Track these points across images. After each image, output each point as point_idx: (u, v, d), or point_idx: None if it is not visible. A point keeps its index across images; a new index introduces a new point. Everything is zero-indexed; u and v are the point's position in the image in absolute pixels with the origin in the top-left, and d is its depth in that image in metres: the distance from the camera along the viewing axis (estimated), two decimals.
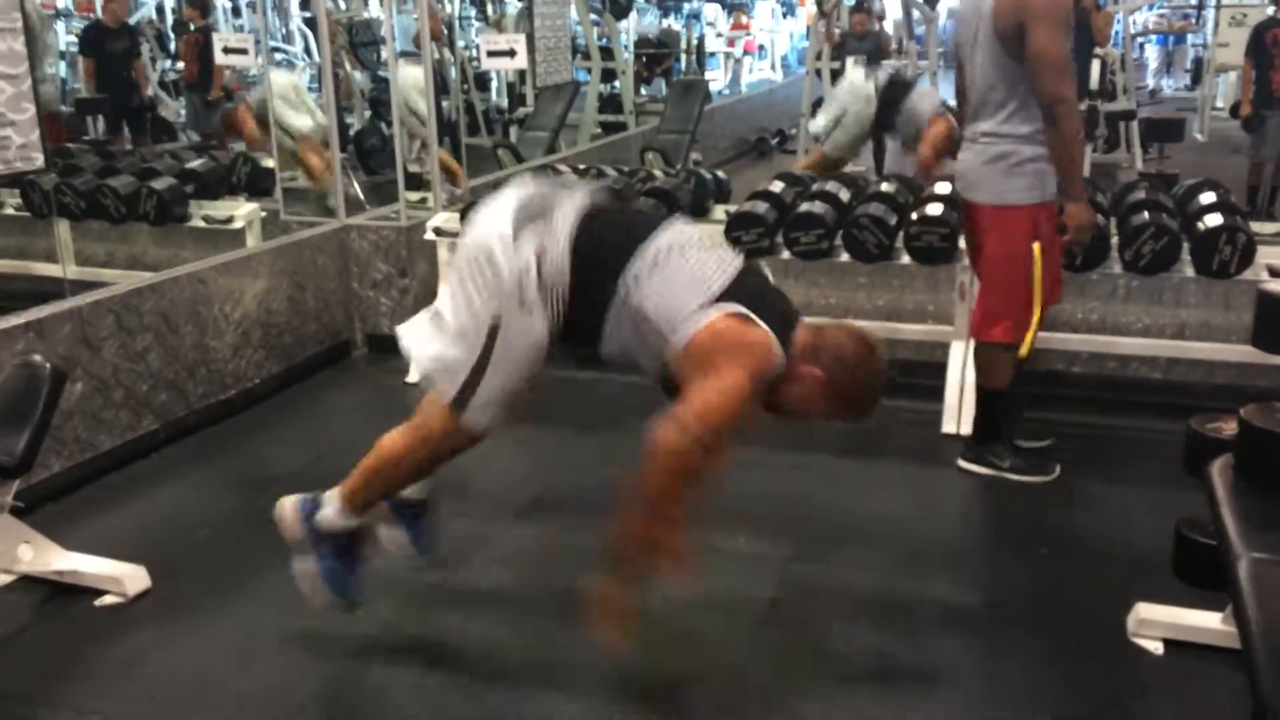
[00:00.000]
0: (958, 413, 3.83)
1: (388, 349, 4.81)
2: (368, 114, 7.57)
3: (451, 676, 2.45)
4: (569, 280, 2.25)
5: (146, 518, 3.34)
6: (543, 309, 2.26)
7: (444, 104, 6.68)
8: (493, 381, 2.33)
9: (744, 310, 2.18)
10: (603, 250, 2.26)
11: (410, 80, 5.69)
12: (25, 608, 2.81)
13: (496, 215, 2.33)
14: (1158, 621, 2.54)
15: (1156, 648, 2.52)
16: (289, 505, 2.53)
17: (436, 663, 2.51)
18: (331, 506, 2.48)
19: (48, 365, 2.74)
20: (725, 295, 2.19)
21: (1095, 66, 7.84)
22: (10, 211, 5.43)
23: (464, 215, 4.42)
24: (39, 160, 3.40)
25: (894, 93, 5.91)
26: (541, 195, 2.36)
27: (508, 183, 2.60)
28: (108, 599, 2.81)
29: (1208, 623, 2.50)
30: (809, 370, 2.22)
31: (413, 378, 2.31)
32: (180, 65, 8.92)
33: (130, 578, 2.83)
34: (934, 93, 6.05)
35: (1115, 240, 3.79)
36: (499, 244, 2.26)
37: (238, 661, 2.56)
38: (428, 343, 2.40)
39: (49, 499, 3.34)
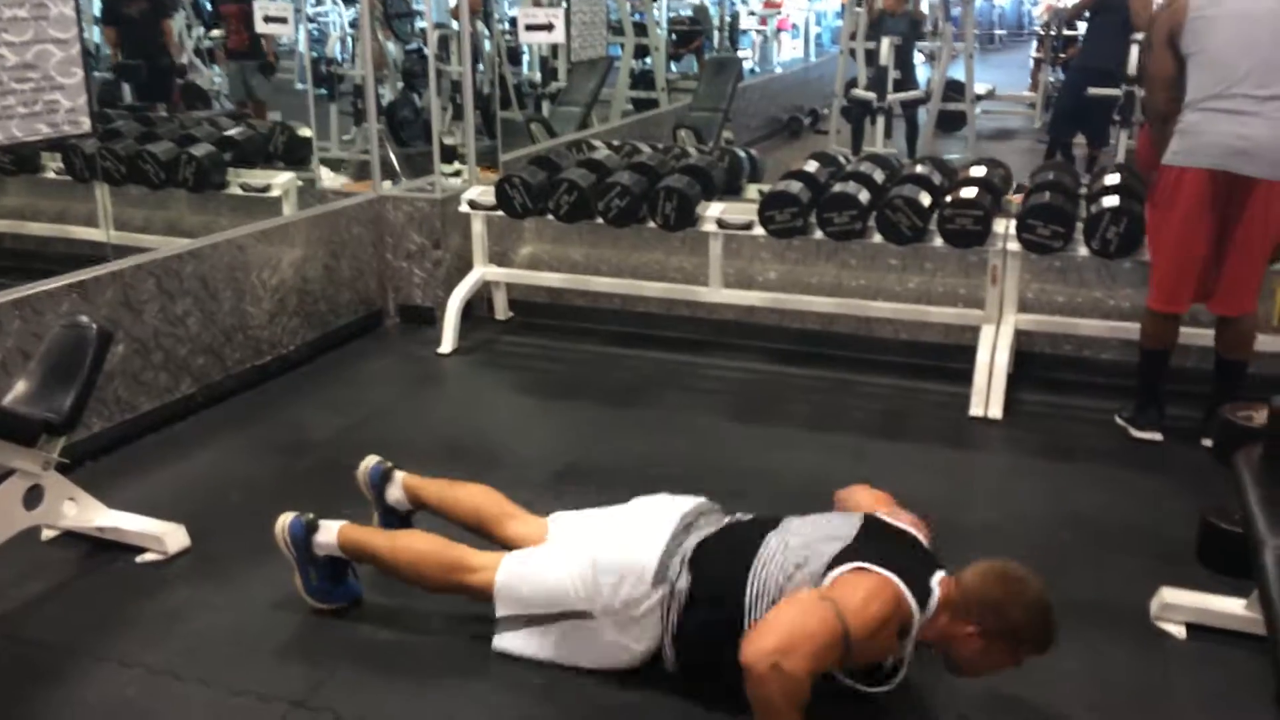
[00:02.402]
0: (985, 396, 3.85)
1: (420, 319, 4.87)
2: (400, 85, 7.59)
3: (479, 636, 2.50)
4: (684, 605, 2.26)
5: (184, 479, 3.41)
6: (652, 636, 2.30)
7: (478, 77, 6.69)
8: (540, 638, 2.40)
9: (870, 563, 2.13)
10: (717, 578, 2.26)
11: None
12: (69, 562, 2.89)
13: (650, 539, 2.34)
14: (1182, 606, 2.56)
15: (1180, 632, 2.54)
16: (282, 526, 2.62)
17: (465, 623, 2.56)
18: (328, 537, 2.58)
19: (94, 326, 2.80)
20: (846, 552, 2.17)
21: (1133, 51, 7.74)
22: (51, 175, 5.50)
23: (498, 190, 4.45)
24: (85, 124, 3.45)
25: None
26: (686, 526, 2.38)
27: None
28: (148, 556, 2.89)
29: (1232, 608, 2.51)
30: (960, 630, 2.13)
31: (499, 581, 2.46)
32: (216, 33, 8.95)
33: (170, 536, 2.90)
34: None
35: None
36: (635, 580, 2.29)
37: (274, 619, 2.62)
38: (529, 573, 2.43)
39: (90, 458, 3.42)
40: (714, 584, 2.25)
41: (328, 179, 5.42)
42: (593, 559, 2.33)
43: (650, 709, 2.29)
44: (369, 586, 2.70)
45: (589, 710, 2.29)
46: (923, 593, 2.13)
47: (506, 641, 2.43)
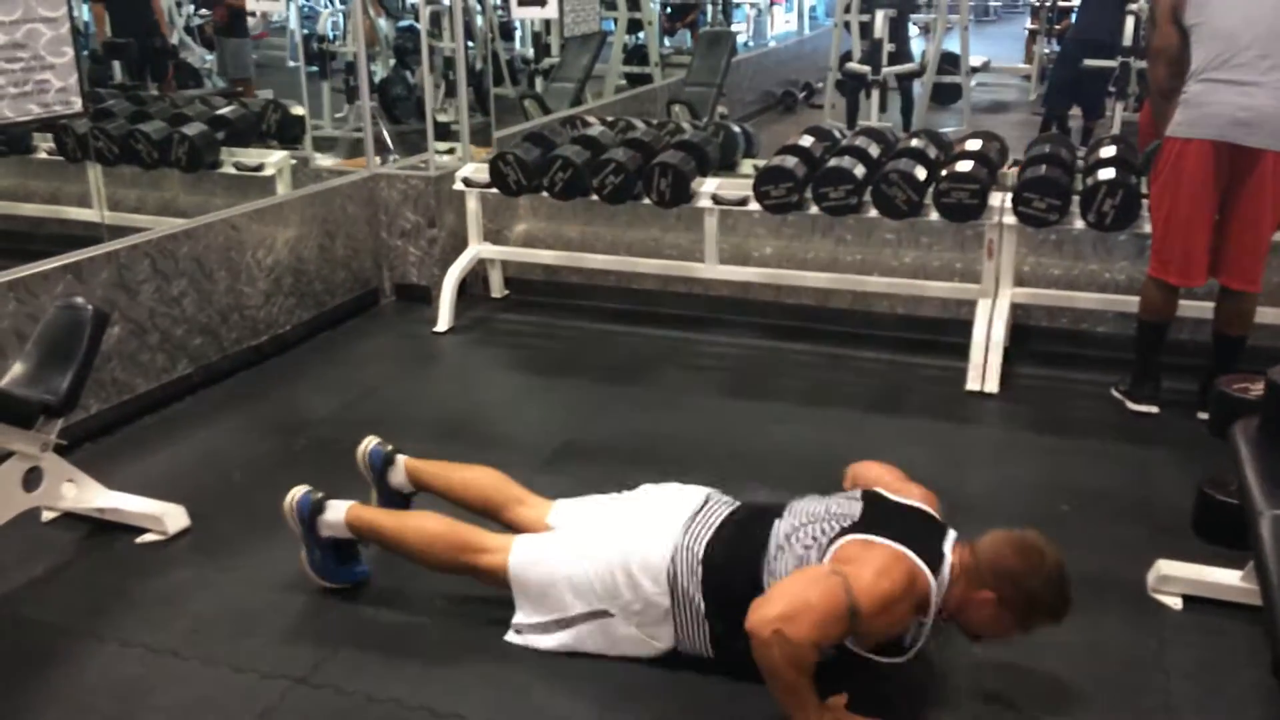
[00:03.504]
0: (982, 370, 3.85)
1: (415, 298, 4.87)
2: (392, 62, 7.55)
3: (480, 616, 2.51)
4: (703, 603, 2.26)
5: (183, 459, 3.42)
6: (670, 631, 2.30)
7: (470, 53, 6.65)
8: (558, 639, 2.39)
9: (879, 537, 2.13)
10: (732, 565, 2.26)
11: None
12: (69, 544, 2.90)
13: (664, 537, 2.33)
14: (1178, 578, 2.58)
15: (1176, 603, 2.56)
16: (291, 499, 2.62)
17: (470, 604, 2.57)
18: (335, 517, 2.58)
19: (90, 307, 2.79)
20: (853, 527, 2.18)
21: (1129, 22, 7.71)
22: (43, 155, 5.47)
23: (493, 167, 4.44)
24: (77, 104, 3.42)
25: None
26: (696, 514, 2.38)
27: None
28: (149, 536, 2.89)
29: (1228, 579, 2.53)
30: (977, 595, 2.14)
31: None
32: (205, 11, 8.89)
33: (170, 516, 2.91)
34: None
35: (1145, 200, 3.77)
36: (652, 580, 2.29)
37: (275, 599, 2.63)
38: (531, 604, 2.42)
39: (88, 439, 3.43)
40: (725, 571, 2.25)
41: (320, 158, 5.39)
42: (607, 558, 2.33)
43: (669, 687, 2.30)
44: (375, 564, 2.69)
45: (601, 689, 2.30)
46: (935, 559, 2.14)
47: (527, 639, 2.42)
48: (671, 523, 2.36)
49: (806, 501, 2.35)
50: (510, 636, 2.43)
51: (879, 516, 2.22)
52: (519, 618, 2.43)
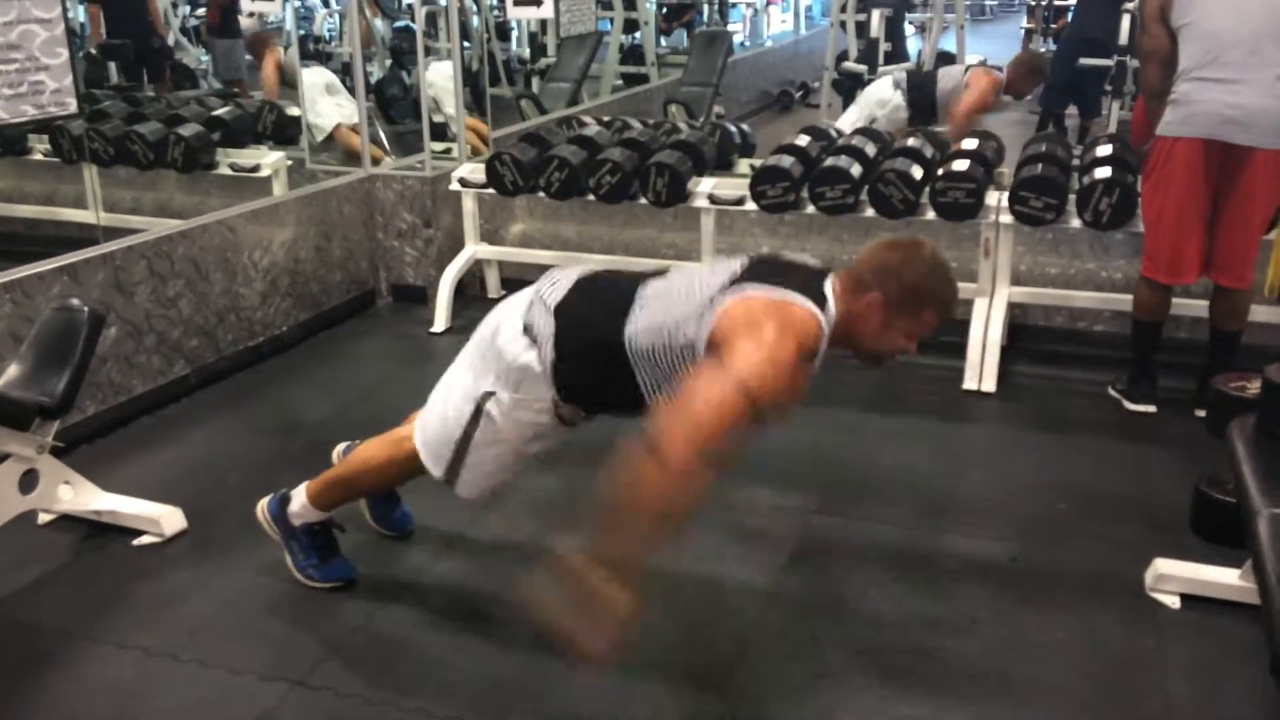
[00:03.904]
0: (979, 369, 3.86)
1: (412, 298, 4.86)
2: (388, 62, 7.54)
3: (476, 619, 2.51)
4: (563, 351, 2.19)
5: (180, 461, 3.41)
6: (547, 386, 2.23)
7: (465, 53, 6.65)
8: (477, 458, 2.33)
9: (762, 285, 2.05)
10: (591, 314, 2.20)
11: (438, 78, 5.65)
12: (65, 546, 2.89)
13: (515, 300, 2.32)
14: (1175, 576, 2.58)
15: (1174, 602, 2.56)
16: (261, 506, 2.65)
17: (462, 604, 2.57)
18: (299, 502, 2.60)
19: (86, 309, 2.78)
20: (735, 282, 2.08)
21: (1125, 21, 7.71)
22: (39, 157, 5.46)
23: (489, 167, 4.44)
24: (71, 105, 3.42)
25: (922, 92, 5.86)
26: (545, 279, 2.34)
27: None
28: (145, 539, 2.89)
29: (1225, 578, 2.53)
30: (862, 305, 2.08)
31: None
32: (201, 11, 8.88)
33: (167, 518, 2.90)
34: (954, 70, 5.99)
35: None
36: (507, 326, 2.26)
37: (273, 599, 2.63)
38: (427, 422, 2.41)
39: (85, 441, 3.42)
40: (587, 316, 2.20)
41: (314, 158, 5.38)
42: (469, 347, 2.34)
43: (671, 690, 2.30)
44: (368, 565, 2.71)
45: (607, 687, 2.29)
46: (819, 298, 2.06)
47: (463, 489, 2.38)
48: (523, 293, 2.32)
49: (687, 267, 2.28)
50: (456, 490, 2.38)
51: (759, 269, 2.13)
52: (434, 469, 2.38)
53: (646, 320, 2.13)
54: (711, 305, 2.05)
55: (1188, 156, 3.32)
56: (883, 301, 2.09)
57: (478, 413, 2.30)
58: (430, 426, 2.39)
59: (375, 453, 2.53)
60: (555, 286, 2.28)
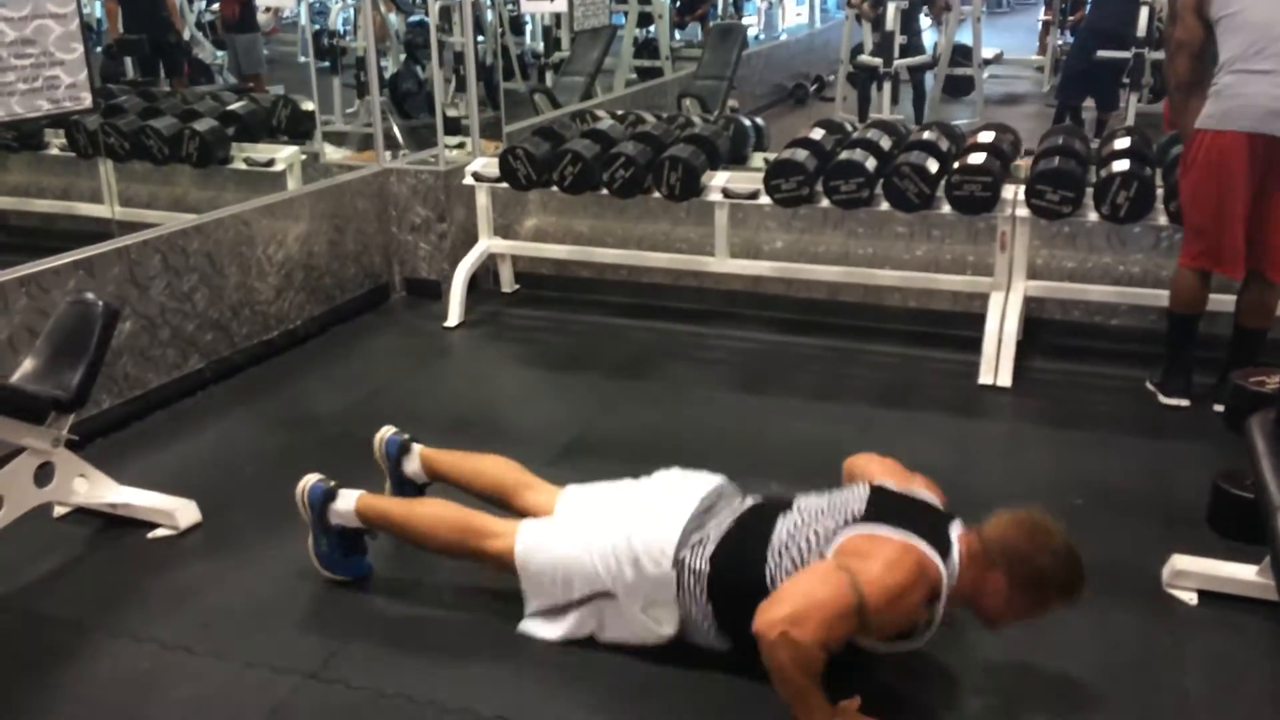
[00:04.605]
0: (995, 363, 3.83)
1: (426, 293, 4.87)
2: (403, 57, 7.54)
3: (490, 614, 2.51)
4: (707, 598, 2.25)
5: (195, 454, 3.42)
6: (674, 618, 2.29)
7: (479, 48, 6.65)
8: (561, 624, 2.39)
9: (888, 527, 2.11)
10: (737, 561, 2.24)
11: None
12: (81, 539, 2.90)
13: (671, 519, 2.32)
14: (1193, 572, 2.56)
15: (1191, 599, 2.54)
16: (303, 486, 2.63)
17: (482, 597, 2.57)
18: (345, 506, 2.59)
19: (101, 303, 2.79)
20: (861, 520, 2.15)
21: (1143, 13, 7.65)
22: (55, 151, 5.48)
23: (502, 161, 4.43)
24: (86, 100, 3.43)
25: None
26: (705, 508, 2.36)
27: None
28: (160, 531, 2.90)
29: (1243, 574, 2.51)
30: (988, 578, 2.12)
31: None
32: (216, 6, 8.90)
33: (182, 511, 2.91)
34: None
35: (1161, 192, 3.75)
36: (656, 560, 2.27)
37: (287, 593, 2.63)
38: (537, 589, 2.42)
39: (100, 434, 3.43)
40: (732, 570, 2.23)
41: (330, 153, 5.39)
42: (612, 539, 2.32)
43: (679, 685, 2.29)
44: (385, 559, 2.71)
45: (614, 684, 2.29)
46: (943, 546, 2.12)
47: (533, 626, 2.42)
48: (679, 508, 2.34)
49: (812, 497, 2.33)
50: (521, 626, 2.43)
51: (883, 507, 2.20)
52: (529, 601, 2.43)
53: (789, 564, 2.19)
54: (832, 540, 2.15)
55: (1232, 150, 3.26)
56: (1009, 584, 2.11)
57: (596, 596, 2.34)
58: (546, 551, 2.39)
59: (447, 530, 2.49)
60: (707, 531, 2.32)
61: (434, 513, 2.54)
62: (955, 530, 2.18)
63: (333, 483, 2.62)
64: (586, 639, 2.38)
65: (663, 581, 2.27)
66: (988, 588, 2.13)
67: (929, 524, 2.16)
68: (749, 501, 2.43)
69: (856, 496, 2.25)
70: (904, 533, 2.10)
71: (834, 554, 2.11)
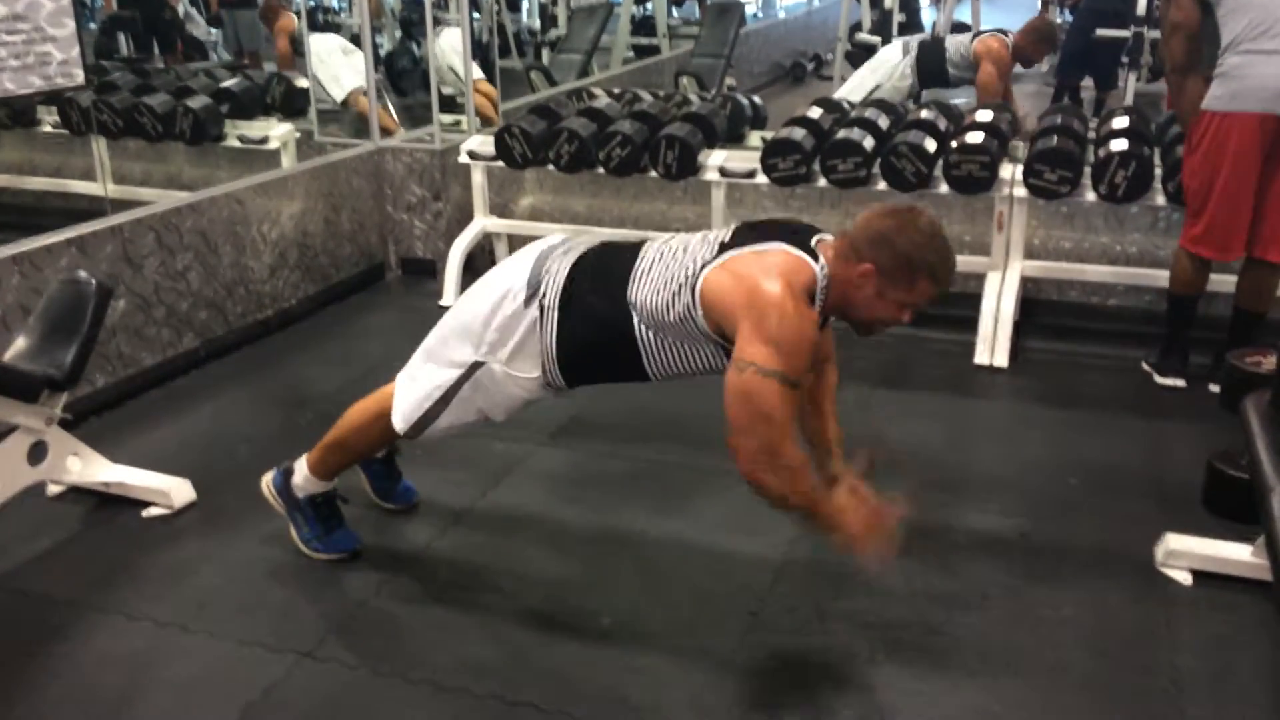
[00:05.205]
0: (991, 343, 3.83)
1: (421, 272, 4.85)
2: (398, 34, 7.49)
3: (484, 591, 2.51)
4: (566, 330, 2.22)
5: (189, 433, 3.42)
6: (535, 362, 2.27)
7: (475, 25, 6.61)
8: (449, 418, 2.38)
9: (743, 248, 2.08)
10: (597, 289, 2.21)
11: (448, 44, 5.64)
12: (74, 518, 2.90)
13: (513, 268, 2.32)
14: (1187, 552, 2.56)
15: (1185, 578, 2.54)
16: (266, 479, 2.66)
17: (469, 577, 2.57)
18: (300, 473, 2.61)
19: (94, 281, 2.77)
20: (725, 247, 2.11)
21: None
22: (48, 129, 5.45)
23: (498, 140, 4.41)
24: (79, 76, 3.40)
25: (930, 59, 5.79)
26: (549, 252, 2.33)
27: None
28: (154, 510, 2.89)
29: (1237, 554, 2.51)
30: (855, 270, 2.05)
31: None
32: None
33: (176, 490, 2.90)
34: (963, 38, 5.89)
35: (1159, 172, 3.73)
36: (507, 298, 2.26)
37: (281, 571, 2.63)
38: (410, 390, 2.43)
39: (93, 413, 3.42)
40: (591, 293, 2.21)
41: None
42: (462, 307, 2.34)
43: (668, 656, 2.29)
44: (374, 539, 2.71)
45: (609, 662, 2.30)
46: (806, 249, 2.08)
47: (411, 434, 2.43)
48: (527, 255, 2.32)
49: (668, 238, 2.29)
50: (397, 426, 2.43)
51: (745, 233, 2.15)
52: (399, 427, 2.42)
53: (649, 286, 2.16)
54: (701, 273, 2.09)
55: (1243, 132, 3.24)
56: (875, 271, 2.05)
57: (462, 380, 2.33)
58: (409, 390, 2.41)
59: (362, 412, 2.54)
60: (564, 255, 2.30)
61: (352, 413, 2.55)
62: (815, 239, 2.13)
63: (285, 464, 2.64)
64: (476, 424, 2.40)
65: (517, 317, 2.24)
66: (856, 283, 2.06)
67: (790, 230, 2.13)
68: (594, 243, 2.40)
69: (721, 231, 2.20)
70: (768, 243, 2.07)
71: (702, 288, 2.06)
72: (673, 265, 2.15)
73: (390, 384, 2.51)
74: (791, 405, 2.01)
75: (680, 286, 2.11)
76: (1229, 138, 3.27)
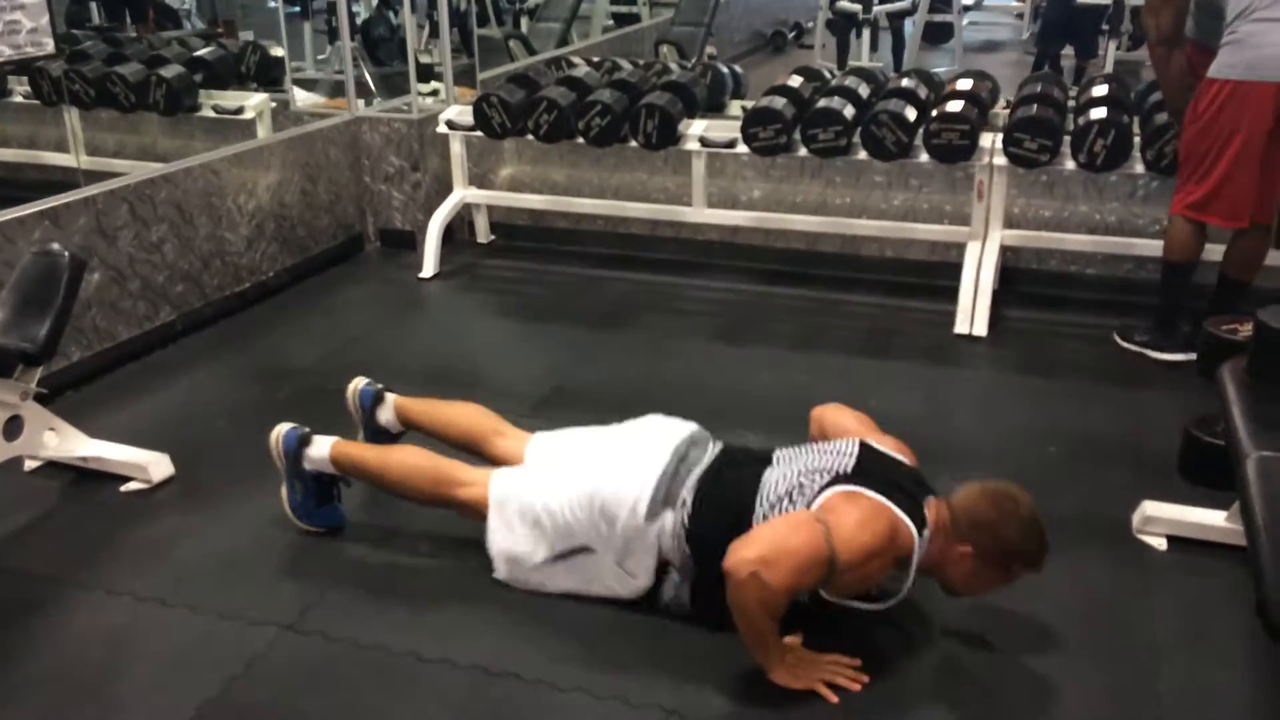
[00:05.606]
0: (970, 313, 3.84)
1: (400, 244, 4.82)
2: (375, 2, 7.40)
3: (467, 564, 2.51)
4: (686, 546, 2.26)
5: (167, 407, 3.39)
6: (650, 561, 2.30)
7: None
8: (538, 575, 2.40)
9: (858, 488, 2.11)
10: (726, 508, 2.23)
11: None
12: (52, 493, 2.88)
13: (642, 471, 2.30)
14: (1163, 519, 2.59)
15: (1160, 544, 2.57)
16: (277, 434, 2.61)
17: (453, 550, 2.57)
18: (320, 452, 2.57)
19: (67, 254, 2.74)
20: (838, 480, 2.15)
21: None
22: (19, 99, 5.36)
23: (476, 109, 4.37)
24: (49, 45, 3.35)
25: None
26: (678, 460, 2.34)
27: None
28: (133, 485, 2.88)
29: (1213, 520, 2.54)
30: (954, 549, 2.13)
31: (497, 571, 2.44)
32: None
33: (155, 464, 2.89)
34: None
35: (1138, 140, 3.74)
36: (629, 513, 2.26)
37: (262, 546, 2.62)
38: (512, 539, 2.41)
39: (70, 387, 3.40)
40: (716, 525, 2.22)
41: (301, 99, 5.29)
42: (586, 491, 2.31)
43: (651, 631, 2.30)
44: (360, 509, 2.71)
45: (586, 630, 2.30)
46: (919, 518, 2.13)
47: (507, 575, 2.42)
48: (654, 457, 2.32)
49: (795, 451, 2.32)
50: (496, 574, 2.43)
51: (870, 468, 2.20)
52: (496, 549, 2.42)
53: (771, 511, 2.20)
54: (817, 498, 2.14)
55: (1260, 101, 3.19)
56: (974, 554, 2.13)
57: (573, 551, 2.35)
58: (519, 499, 2.39)
59: (421, 478, 2.49)
60: (688, 471, 2.32)
61: (408, 461, 2.53)
62: (927, 504, 2.19)
63: (306, 429, 2.60)
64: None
65: (638, 533, 2.27)
66: (955, 559, 2.14)
67: (908, 490, 2.17)
68: (719, 446, 2.43)
69: (845, 453, 2.24)
70: (882, 496, 2.11)
71: (816, 507, 2.12)
72: (799, 500, 2.17)
73: (461, 465, 2.49)
74: (814, 576, 2.02)
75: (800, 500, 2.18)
76: (1245, 106, 3.21)
